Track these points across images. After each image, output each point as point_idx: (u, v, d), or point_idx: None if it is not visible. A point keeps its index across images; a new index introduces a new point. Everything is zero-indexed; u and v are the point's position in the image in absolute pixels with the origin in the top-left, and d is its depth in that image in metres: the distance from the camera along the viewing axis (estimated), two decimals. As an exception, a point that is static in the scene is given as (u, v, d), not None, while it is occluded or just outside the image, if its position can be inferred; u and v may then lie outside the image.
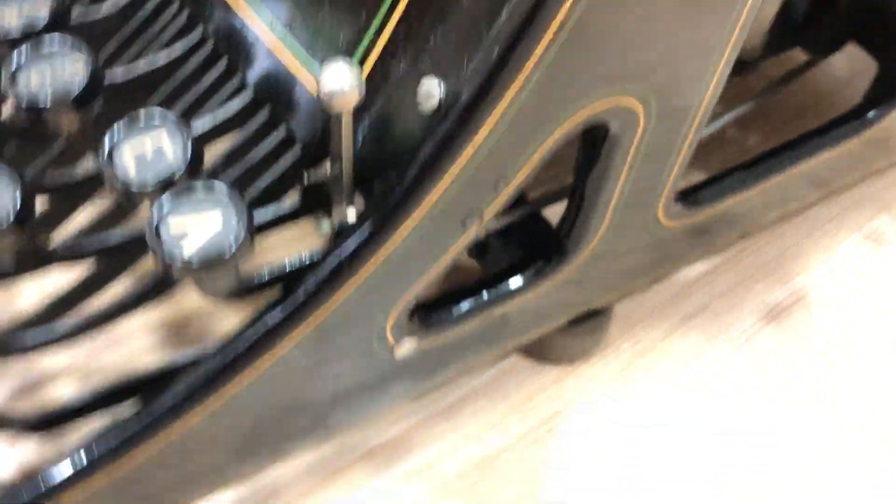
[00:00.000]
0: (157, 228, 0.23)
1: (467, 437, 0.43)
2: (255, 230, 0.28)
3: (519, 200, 0.41)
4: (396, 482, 0.42)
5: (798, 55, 0.53)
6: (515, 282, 0.36)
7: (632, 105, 0.30)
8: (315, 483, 0.41)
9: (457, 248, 0.31)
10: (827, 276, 0.51)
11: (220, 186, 0.24)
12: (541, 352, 0.45)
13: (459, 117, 0.26)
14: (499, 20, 0.25)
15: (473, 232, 0.31)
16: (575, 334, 0.44)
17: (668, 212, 0.39)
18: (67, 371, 0.44)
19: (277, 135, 0.30)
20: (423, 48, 0.27)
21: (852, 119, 0.44)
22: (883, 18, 0.46)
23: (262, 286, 0.29)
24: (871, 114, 0.44)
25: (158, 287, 0.30)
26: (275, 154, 0.30)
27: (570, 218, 0.36)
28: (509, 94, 0.26)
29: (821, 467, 0.43)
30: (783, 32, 0.49)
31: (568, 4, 0.24)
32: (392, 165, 0.28)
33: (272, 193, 0.31)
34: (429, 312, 0.35)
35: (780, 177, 0.43)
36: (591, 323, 0.44)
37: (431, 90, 0.27)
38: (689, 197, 0.40)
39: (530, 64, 0.25)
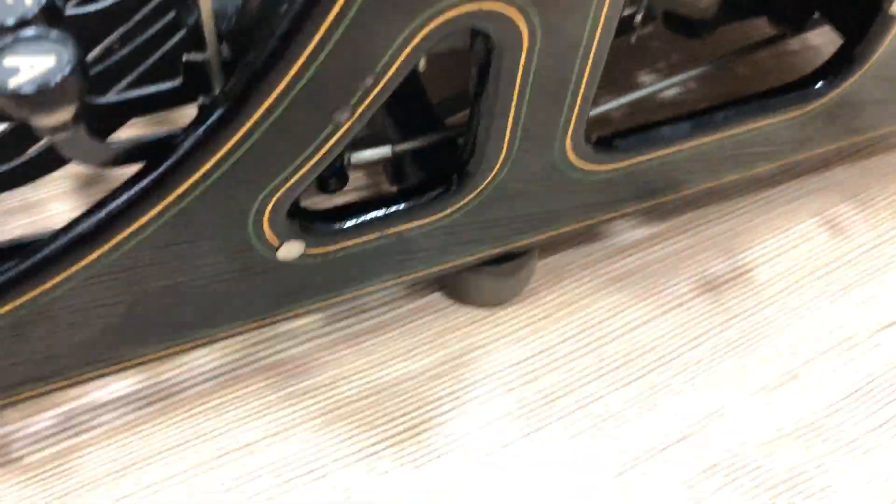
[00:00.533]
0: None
1: (371, 363, 0.44)
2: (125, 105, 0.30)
3: (437, 125, 0.41)
4: (291, 397, 0.42)
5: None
6: (409, 203, 0.36)
7: (510, 14, 0.30)
8: (213, 387, 0.42)
9: (329, 144, 0.31)
10: (773, 256, 0.50)
11: (60, 34, 0.25)
12: (459, 292, 0.45)
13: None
14: None
15: (346, 129, 0.31)
16: (493, 276, 0.44)
17: (580, 153, 0.38)
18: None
19: (165, 19, 0.31)
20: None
21: (799, 88, 0.43)
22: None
23: (127, 158, 0.30)
24: (818, 84, 0.43)
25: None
26: (160, 37, 0.31)
27: (468, 142, 0.36)
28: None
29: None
30: (746, 3, 0.48)
31: None
32: (256, 45, 0.28)
33: (160, 76, 0.32)
34: (311, 217, 0.35)
35: (713, 138, 0.42)
36: (510, 266, 0.44)
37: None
38: (606, 143, 0.40)
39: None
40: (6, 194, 0.47)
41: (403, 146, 0.39)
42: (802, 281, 0.48)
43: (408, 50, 0.30)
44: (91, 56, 0.33)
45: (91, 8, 0.31)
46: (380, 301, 0.46)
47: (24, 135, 0.37)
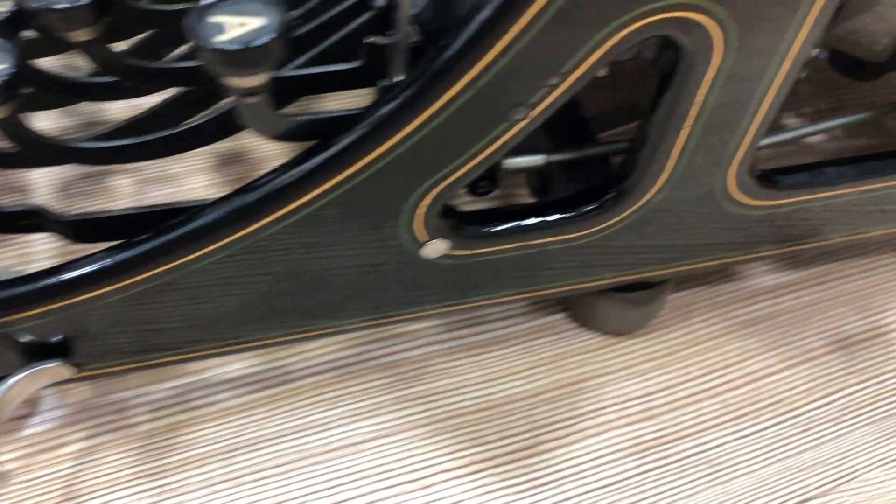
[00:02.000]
0: (199, 21, 0.24)
1: (485, 377, 0.42)
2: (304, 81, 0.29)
3: (591, 139, 0.40)
4: (403, 401, 0.41)
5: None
6: (561, 215, 0.35)
7: (708, 25, 0.29)
8: (328, 379, 0.41)
9: (499, 143, 0.31)
10: (915, 319, 0.47)
11: (268, 5, 0.25)
12: (585, 315, 0.44)
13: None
14: None
15: (518, 129, 0.30)
16: (621, 304, 0.42)
17: (742, 185, 0.37)
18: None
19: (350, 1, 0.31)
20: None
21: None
22: None
23: (301, 133, 0.30)
24: None
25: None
26: (346, 15, 0.31)
27: (631, 157, 0.35)
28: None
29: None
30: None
31: None
32: (447, 34, 0.28)
33: (345, 54, 0.32)
34: (464, 218, 0.34)
35: (879, 185, 0.40)
36: (641, 296, 0.42)
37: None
38: (768, 178, 0.38)
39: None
40: (146, 164, 0.48)
41: (558, 156, 0.38)
42: (947, 350, 0.46)
43: (598, 54, 0.29)
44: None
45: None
46: (502, 314, 0.44)
47: (184, 106, 0.37)
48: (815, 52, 0.40)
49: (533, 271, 0.38)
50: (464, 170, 0.31)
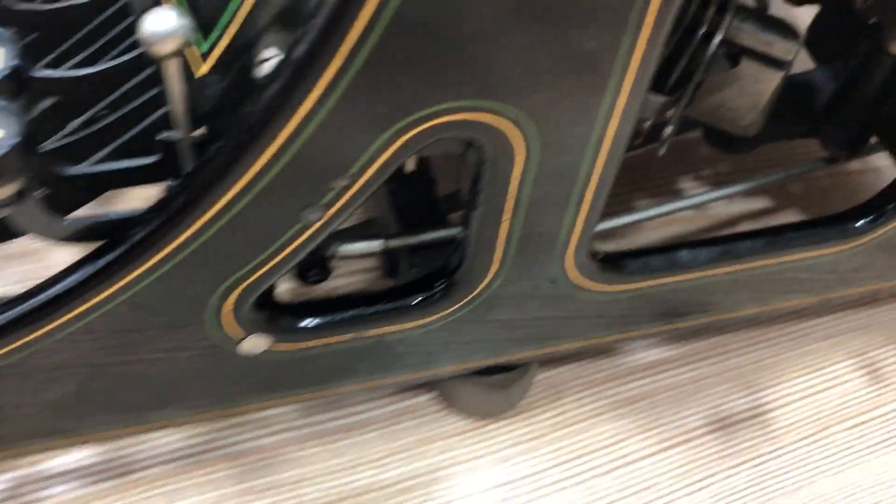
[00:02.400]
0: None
1: (341, 465, 0.41)
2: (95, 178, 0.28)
3: (439, 221, 0.39)
4: (252, 492, 0.39)
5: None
6: (386, 306, 0.34)
7: (502, 126, 0.28)
8: (172, 469, 0.40)
9: (298, 242, 0.29)
10: (798, 397, 0.45)
11: (8, 107, 0.24)
12: (449, 398, 0.42)
13: (279, 89, 0.24)
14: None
15: (317, 229, 0.29)
16: (482, 388, 0.41)
17: (584, 271, 0.35)
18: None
19: (151, 94, 0.30)
20: (270, 21, 0.26)
21: (837, 223, 0.39)
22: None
23: (86, 235, 0.29)
24: (860, 222, 0.39)
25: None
26: (141, 112, 0.30)
27: (460, 247, 0.33)
28: (325, 78, 0.24)
29: None
30: (797, 119, 0.45)
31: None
32: (228, 131, 0.27)
33: (142, 151, 0.31)
34: (280, 312, 0.33)
35: (737, 268, 0.38)
36: (502, 379, 0.41)
37: (269, 58, 0.25)
38: (614, 262, 0.36)
39: (344, 50, 0.23)
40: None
41: (396, 242, 0.36)
42: (828, 431, 0.44)
43: (386, 155, 0.27)
44: (75, 123, 0.32)
45: (71, 73, 0.30)
46: (362, 397, 0.43)
47: None
48: (668, 130, 0.38)
49: (378, 359, 0.37)
50: (265, 269, 0.30)
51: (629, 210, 0.54)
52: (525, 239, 0.33)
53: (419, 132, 0.27)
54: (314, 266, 0.35)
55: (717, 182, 0.55)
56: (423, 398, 0.43)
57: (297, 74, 0.24)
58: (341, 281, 0.46)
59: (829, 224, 0.39)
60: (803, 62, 0.52)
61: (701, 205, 0.48)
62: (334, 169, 0.27)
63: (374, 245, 0.36)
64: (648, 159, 0.54)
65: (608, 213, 0.51)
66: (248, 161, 0.26)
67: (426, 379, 0.40)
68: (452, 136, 0.28)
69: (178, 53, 0.25)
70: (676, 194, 0.54)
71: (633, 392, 0.45)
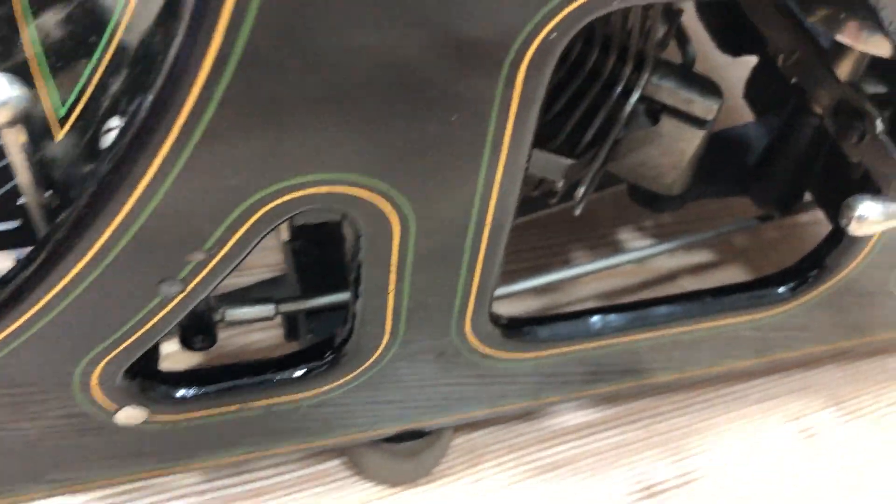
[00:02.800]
0: None
1: (242, 535, 0.39)
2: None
3: (338, 283, 0.37)
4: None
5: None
6: (270, 376, 0.32)
7: (373, 200, 0.26)
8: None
9: (160, 316, 0.28)
10: (731, 464, 0.43)
11: None
12: (358, 465, 0.41)
13: (115, 162, 0.23)
14: (164, 65, 0.22)
15: (179, 302, 0.27)
16: (390, 455, 0.39)
17: (484, 338, 0.34)
18: None
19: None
20: (117, 90, 0.25)
21: (757, 289, 0.38)
22: (842, 181, 0.40)
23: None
24: (781, 289, 0.37)
25: None
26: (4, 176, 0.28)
27: (346, 321, 0.32)
28: (162, 152, 0.23)
29: None
30: (727, 176, 0.44)
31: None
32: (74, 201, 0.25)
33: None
34: (158, 383, 0.31)
35: (651, 335, 0.37)
36: (411, 446, 0.39)
37: (113, 127, 0.24)
38: (516, 328, 0.35)
39: (180, 122, 0.22)
40: None
41: (288, 306, 0.35)
42: (761, 500, 0.42)
43: (243, 229, 0.26)
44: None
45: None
46: (270, 462, 0.41)
47: None
48: (581, 191, 0.37)
49: (272, 428, 0.35)
50: (129, 342, 0.28)
51: (565, 262, 0.53)
52: (415, 310, 0.31)
53: (280, 205, 0.25)
54: (200, 332, 0.33)
55: (658, 233, 0.53)
56: (334, 463, 0.41)
57: (133, 148, 0.23)
58: (256, 336, 0.44)
59: (751, 289, 0.38)
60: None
61: (636, 261, 0.46)
62: (188, 242, 0.26)
63: (266, 310, 0.34)
64: (589, 209, 0.53)
65: (542, 268, 0.50)
66: (92, 234, 0.25)
67: (332, 446, 0.38)
68: (322, 208, 0.26)
69: (15, 123, 0.24)
70: (615, 245, 0.53)
71: (556, 457, 0.43)
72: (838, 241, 0.35)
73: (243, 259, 0.27)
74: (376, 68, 0.22)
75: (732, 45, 0.44)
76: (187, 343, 0.33)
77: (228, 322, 0.34)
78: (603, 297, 0.49)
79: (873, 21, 0.31)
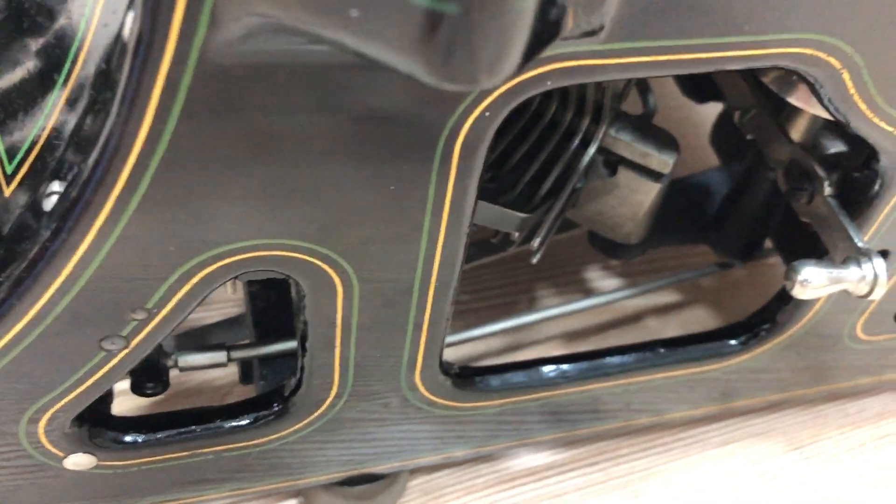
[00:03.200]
0: None
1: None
2: None
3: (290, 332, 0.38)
4: None
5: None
6: (219, 424, 0.32)
7: (313, 260, 0.26)
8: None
9: (104, 371, 0.28)
10: (689, 508, 0.44)
11: None
12: (315, 505, 0.41)
13: (58, 224, 0.23)
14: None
15: (123, 358, 0.28)
16: (347, 497, 0.39)
17: (437, 390, 0.34)
18: None
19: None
20: (61, 153, 0.25)
21: (711, 340, 0.38)
22: (801, 233, 0.40)
23: None
24: (733, 342, 0.37)
25: None
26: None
27: (295, 373, 0.32)
28: (99, 219, 0.23)
29: None
30: (687, 224, 0.44)
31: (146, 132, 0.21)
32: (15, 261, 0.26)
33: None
34: (106, 429, 0.32)
35: (606, 384, 0.37)
36: (365, 490, 0.39)
37: (54, 192, 0.24)
38: (470, 378, 0.35)
39: (115, 192, 0.22)
40: None
41: (240, 353, 0.35)
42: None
43: (185, 289, 0.26)
44: None
45: None
46: (224, 502, 0.41)
47: None
48: (537, 242, 0.37)
49: (225, 472, 0.35)
50: (74, 395, 0.29)
51: (530, 301, 0.54)
52: (363, 365, 0.31)
53: (220, 267, 0.26)
54: (151, 379, 0.33)
55: (624, 272, 0.54)
56: (290, 502, 0.42)
57: (71, 215, 0.23)
58: (216, 373, 0.44)
59: (705, 341, 0.38)
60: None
61: (599, 305, 0.47)
62: (129, 302, 0.26)
63: (218, 356, 0.35)
64: (555, 247, 0.53)
65: (506, 306, 0.50)
66: (32, 296, 0.25)
67: (286, 489, 0.38)
68: (264, 270, 0.27)
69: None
70: (580, 284, 0.53)
71: (515, 499, 0.43)
72: (789, 297, 0.35)
73: (188, 315, 0.27)
74: (307, 143, 0.23)
75: (697, 92, 0.45)
76: (139, 390, 0.33)
77: (181, 368, 0.34)
78: (566, 336, 0.49)
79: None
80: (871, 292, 0.31)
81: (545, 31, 0.18)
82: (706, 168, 0.48)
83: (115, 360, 0.28)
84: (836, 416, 0.48)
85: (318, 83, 0.21)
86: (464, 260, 0.29)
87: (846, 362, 0.42)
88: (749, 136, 0.37)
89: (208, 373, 0.44)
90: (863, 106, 0.27)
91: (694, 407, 0.41)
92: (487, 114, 0.23)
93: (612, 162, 0.38)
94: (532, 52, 0.18)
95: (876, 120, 0.28)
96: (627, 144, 0.38)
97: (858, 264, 0.31)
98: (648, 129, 0.38)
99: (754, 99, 0.36)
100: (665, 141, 0.38)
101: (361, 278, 0.28)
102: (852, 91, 0.27)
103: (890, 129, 0.29)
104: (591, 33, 0.21)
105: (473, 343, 0.45)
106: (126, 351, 0.28)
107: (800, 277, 0.30)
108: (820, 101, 0.27)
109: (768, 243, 0.45)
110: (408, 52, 0.16)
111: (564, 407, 0.38)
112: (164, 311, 0.27)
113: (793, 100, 0.33)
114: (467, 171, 0.25)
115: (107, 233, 0.24)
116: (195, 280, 0.26)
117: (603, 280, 0.53)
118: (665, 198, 0.40)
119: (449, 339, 0.35)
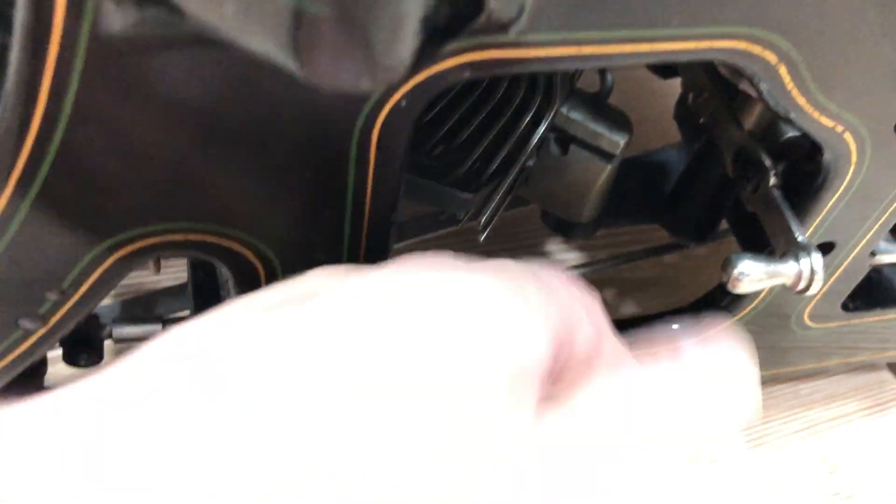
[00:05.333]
0: None
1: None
2: None
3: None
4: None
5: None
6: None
7: (237, 248, 0.26)
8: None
9: (23, 348, 0.28)
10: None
11: None
12: None
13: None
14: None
15: (41, 336, 0.27)
16: None
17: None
18: None
19: None
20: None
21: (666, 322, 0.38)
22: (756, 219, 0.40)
23: None
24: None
25: None
26: None
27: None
28: (3, 197, 0.22)
29: None
30: (641, 204, 0.44)
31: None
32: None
33: None
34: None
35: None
36: None
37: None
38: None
39: (16, 173, 0.22)
40: None
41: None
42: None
43: (100, 270, 0.26)
44: None
45: None
46: None
47: None
48: (484, 219, 0.37)
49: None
50: (-8, 373, 0.28)
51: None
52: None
53: (137, 249, 0.25)
54: (85, 349, 0.33)
55: (585, 245, 0.53)
56: None
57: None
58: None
59: (652, 323, 0.38)
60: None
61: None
62: (43, 282, 0.26)
63: (153, 329, 0.34)
64: (513, 222, 0.53)
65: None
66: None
67: None
68: (183, 254, 0.26)
69: None
70: (540, 256, 0.53)
71: None
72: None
73: (106, 294, 0.27)
74: (209, 128, 0.22)
75: (660, 68, 0.44)
76: (72, 360, 0.33)
77: (116, 340, 0.34)
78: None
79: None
80: (808, 288, 0.30)
81: (440, 30, 0.17)
82: (667, 144, 0.47)
83: (33, 338, 0.27)
84: (787, 398, 0.49)
85: (219, 68, 0.20)
86: (393, 243, 0.29)
87: (795, 346, 0.42)
88: (702, 120, 0.36)
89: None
90: (802, 101, 0.26)
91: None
92: (404, 103, 0.22)
93: (564, 140, 0.38)
94: (428, 51, 0.17)
95: (816, 115, 0.27)
96: (579, 124, 0.37)
97: (797, 259, 0.30)
98: (601, 108, 0.37)
99: (708, 83, 0.35)
100: (617, 121, 0.37)
101: (284, 263, 0.27)
102: (790, 86, 0.26)
103: (831, 124, 0.28)
104: (506, 25, 0.20)
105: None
106: (45, 329, 0.27)
107: (735, 271, 0.30)
108: (759, 95, 0.27)
109: (725, 224, 0.44)
110: (283, 52, 0.15)
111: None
112: (80, 292, 0.26)
113: (745, 87, 0.32)
114: (387, 158, 0.24)
115: (9, 216, 0.23)
116: (109, 262, 0.25)
117: (562, 254, 0.52)
118: (619, 176, 0.39)
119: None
